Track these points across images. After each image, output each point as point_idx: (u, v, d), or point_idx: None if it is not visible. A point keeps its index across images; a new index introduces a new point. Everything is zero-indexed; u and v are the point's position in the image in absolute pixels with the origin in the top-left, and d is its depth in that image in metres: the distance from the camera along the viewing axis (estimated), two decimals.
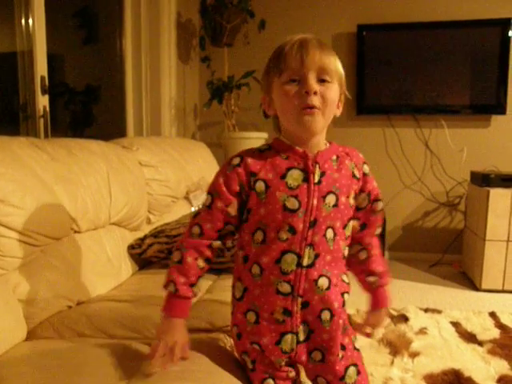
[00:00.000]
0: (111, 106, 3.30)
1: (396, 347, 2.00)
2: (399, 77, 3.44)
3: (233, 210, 0.96)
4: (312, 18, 3.55)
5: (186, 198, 2.49)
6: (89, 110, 3.49)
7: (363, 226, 1.05)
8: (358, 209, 1.02)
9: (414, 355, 1.94)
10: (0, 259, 1.27)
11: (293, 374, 1.01)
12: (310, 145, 0.96)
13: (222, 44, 3.24)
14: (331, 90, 0.93)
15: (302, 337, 0.97)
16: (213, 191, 0.98)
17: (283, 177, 0.94)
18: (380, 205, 1.05)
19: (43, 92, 2.18)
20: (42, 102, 2.18)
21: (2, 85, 2.29)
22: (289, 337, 0.96)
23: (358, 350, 1.03)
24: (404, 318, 2.34)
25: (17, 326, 1.20)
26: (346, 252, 1.01)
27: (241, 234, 1.00)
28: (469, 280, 3.06)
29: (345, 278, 1.01)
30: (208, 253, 0.98)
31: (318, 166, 0.95)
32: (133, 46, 3.07)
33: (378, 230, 1.08)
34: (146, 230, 2.01)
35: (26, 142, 1.54)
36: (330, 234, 0.95)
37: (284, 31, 3.52)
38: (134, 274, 1.84)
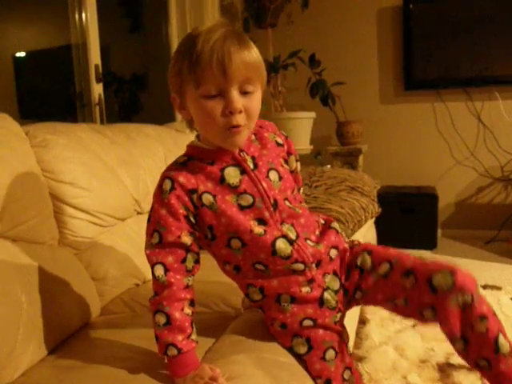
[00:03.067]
0: (158, 93, 3.36)
1: None
2: (448, 49, 3.32)
3: (187, 238, 0.88)
4: None
5: None
6: (136, 97, 3.57)
7: None
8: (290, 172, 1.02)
9: None
10: (72, 239, 1.35)
11: (344, 335, 0.99)
12: None
13: (266, 25, 3.23)
14: (255, 101, 0.86)
15: (335, 286, 0.96)
16: (158, 227, 0.87)
17: (222, 180, 0.90)
18: (299, 165, 1.06)
19: (98, 80, 2.24)
20: (97, 90, 2.25)
21: (59, 76, 2.38)
22: (327, 294, 0.95)
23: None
24: None
25: (92, 302, 1.27)
26: (305, 204, 1.03)
27: (215, 251, 0.94)
28: None
29: (322, 221, 1.03)
30: (188, 295, 0.89)
31: (244, 153, 0.92)
32: (178, 32, 3.09)
33: (301, 190, 1.11)
34: None
35: (87, 127, 1.60)
36: (288, 204, 0.94)
37: (327, 9, 3.49)
38: None
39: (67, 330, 1.13)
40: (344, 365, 0.96)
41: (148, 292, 1.35)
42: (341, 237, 1.01)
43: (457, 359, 1.70)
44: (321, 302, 0.95)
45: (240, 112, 0.83)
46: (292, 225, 0.94)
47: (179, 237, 0.87)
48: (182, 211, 0.87)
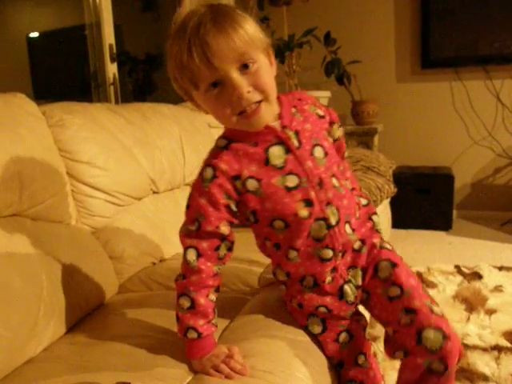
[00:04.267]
0: None
1: (471, 304, 1.96)
2: (466, 26, 3.24)
3: (226, 228, 0.86)
4: None
5: None
6: (150, 77, 3.56)
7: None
8: (333, 141, 0.98)
9: (490, 312, 1.90)
10: (90, 218, 1.36)
11: (362, 321, 0.97)
12: None
13: (281, 3, 3.17)
14: (261, 72, 0.80)
15: (359, 281, 0.94)
16: (197, 216, 0.85)
17: (267, 162, 0.85)
18: (342, 130, 1.00)
19: (112, 60, 2.24)
20: (112, 69, 2.25)
21: (73, 56, 2.38)
22: (347, 288, 0.93)
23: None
24: (477, 276, 2.28)
25: (109, 280, 1.28)
26: (349, 184, 0.98)
27: (257, 229, 0.92)
28: None
29: (364, 202, 1.00)
30: (216, 282, 0.88)
31: (287, 129, 0.86)
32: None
33: (346, 154, 1.05)
34: None
35: (102, 107, 1.60)
36: (335, 182, 0.90)
37: None
38: None
39: (86, 307, 1.15)
40: (359, 349, 0.95)
41: (164, 270, 1.38)
42: (374, 232, 0.97)
43: (472, 340, 1.70)
44: (340, 294, 0.93)
45: (248, 92, 0.78)
46: (337, 208, 0.89)
47: (218, 227, 0.85)
48: (223, 201, 0.84)
